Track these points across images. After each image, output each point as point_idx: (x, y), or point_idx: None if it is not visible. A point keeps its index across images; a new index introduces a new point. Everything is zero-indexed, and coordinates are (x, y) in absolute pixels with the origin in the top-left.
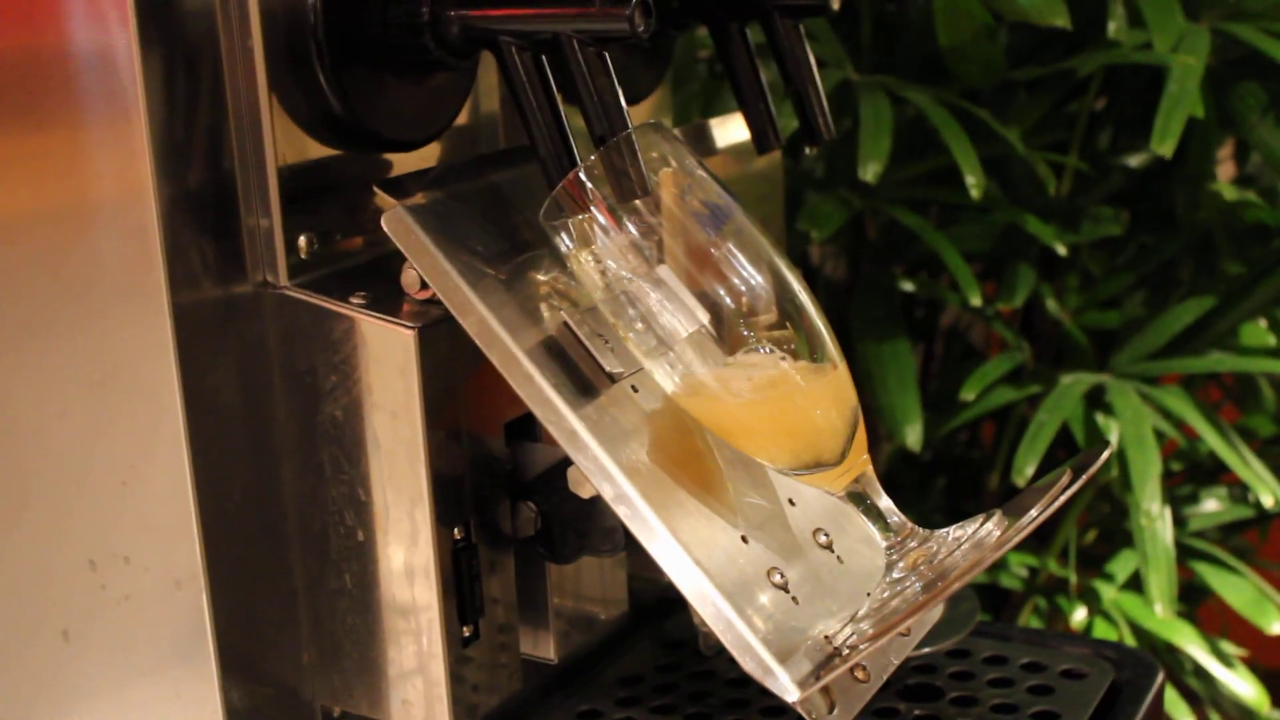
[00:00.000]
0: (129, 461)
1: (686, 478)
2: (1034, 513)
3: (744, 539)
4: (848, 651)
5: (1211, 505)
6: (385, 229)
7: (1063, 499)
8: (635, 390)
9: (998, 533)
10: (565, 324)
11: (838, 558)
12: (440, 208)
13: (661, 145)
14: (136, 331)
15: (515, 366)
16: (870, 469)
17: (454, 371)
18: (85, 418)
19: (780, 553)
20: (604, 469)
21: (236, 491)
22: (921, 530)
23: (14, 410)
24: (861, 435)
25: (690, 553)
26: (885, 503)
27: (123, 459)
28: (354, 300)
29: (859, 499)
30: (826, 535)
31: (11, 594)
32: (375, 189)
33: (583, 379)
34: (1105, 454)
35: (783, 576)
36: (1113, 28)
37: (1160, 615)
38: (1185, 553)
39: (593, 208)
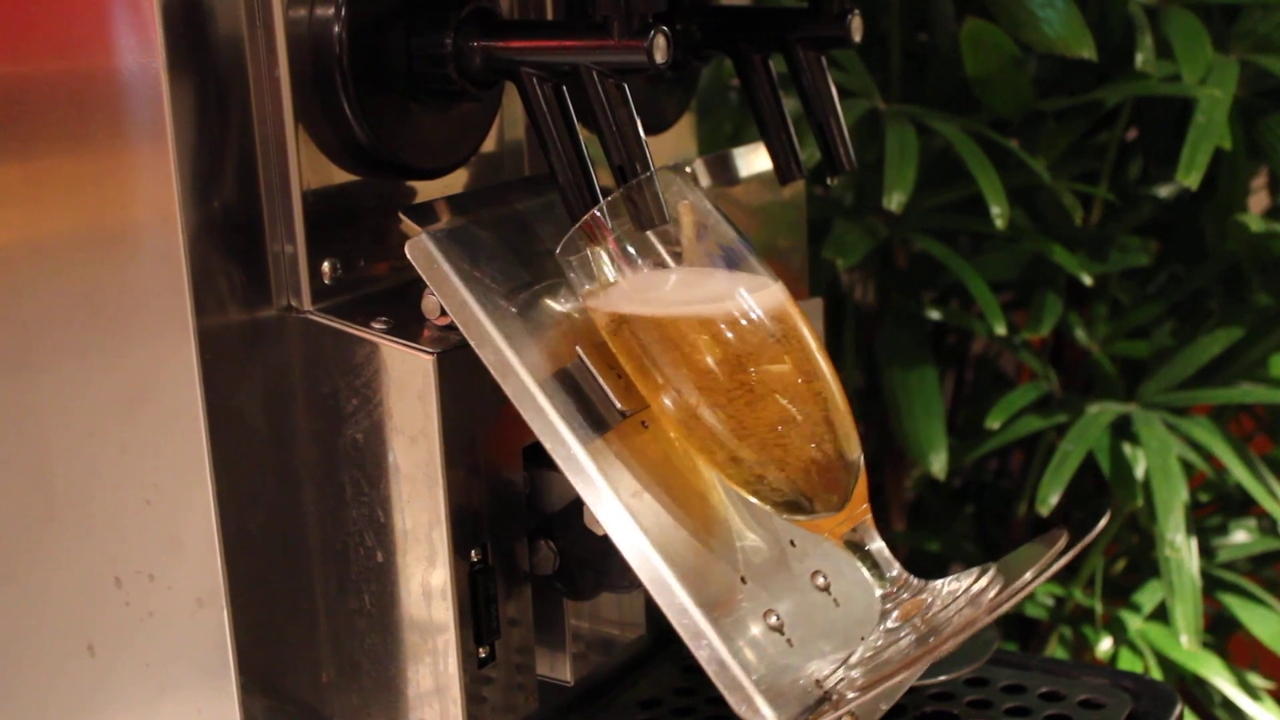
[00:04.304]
0: (154, 481)
1: (689, 516)
2: (1028, 576)
3: (742, 579)
4: (836, 698)
5: (1241, 537)
6: (409, 257)
7: (1057, 566)
8: (645, 426)
9: (991, 591)
10: (580, 358)
11: (834, 600)
12: (463, 235)
13: (680, 185)
14: (163, 354)
15: (528, 398)
16: (870, 518)
17: (473, 396)
18: (112, 437)
19: (777, 594)
20: (607, 504)
21: (258, 512)
22: (916, 581)
23: (43, 429)
24: (863, 486)
25: (687, 591)
26: (882, 552)
27: (148, 478)
28: (375, 325)
29: (856, 547)
30: (825, 578)
31: (39, 608)
32: (401, 215)
33: (594, 413)
34: (1103, 522)
35: (779, 618)
36: (1140, 59)
37: (1186, 646)
38: (1214, 584)
39: (609, 245)
